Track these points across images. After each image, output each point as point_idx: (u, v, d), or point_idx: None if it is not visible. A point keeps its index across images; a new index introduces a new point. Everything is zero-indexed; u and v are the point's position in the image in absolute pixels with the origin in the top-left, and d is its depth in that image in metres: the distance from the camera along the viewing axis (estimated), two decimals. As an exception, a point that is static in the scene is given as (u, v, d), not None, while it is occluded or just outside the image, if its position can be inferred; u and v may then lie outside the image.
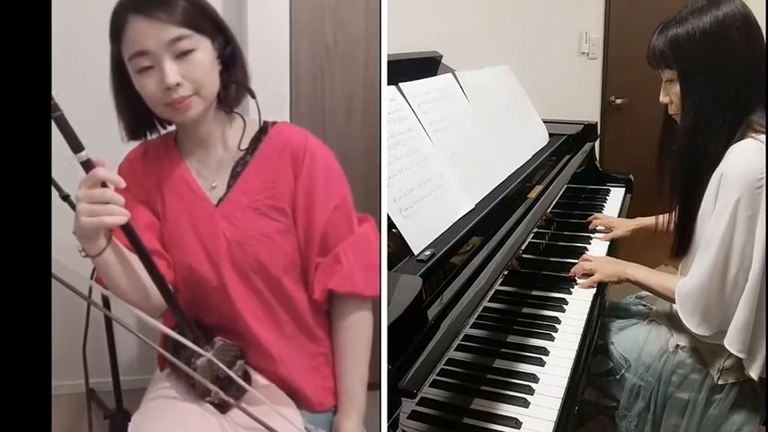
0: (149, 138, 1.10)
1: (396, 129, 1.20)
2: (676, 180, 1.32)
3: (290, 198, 1.05)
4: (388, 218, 1.05)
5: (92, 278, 0.97)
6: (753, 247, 1.16)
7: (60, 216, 0.86)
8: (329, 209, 1.05)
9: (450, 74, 1.54)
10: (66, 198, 1.41)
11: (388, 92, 1.23)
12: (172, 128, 1.11)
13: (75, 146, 0.82)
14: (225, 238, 1.03)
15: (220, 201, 1.05)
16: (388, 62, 0.90)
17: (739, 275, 1.17)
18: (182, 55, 0.95)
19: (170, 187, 1.06)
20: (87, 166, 0.84)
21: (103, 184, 0.85)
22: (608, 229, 1.76)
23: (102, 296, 1.07)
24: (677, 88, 1.27)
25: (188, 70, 0.96)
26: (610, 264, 1.50)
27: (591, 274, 1.46)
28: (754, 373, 1.22)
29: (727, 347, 1.20)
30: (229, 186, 1.05)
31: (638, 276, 1.40)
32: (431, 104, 1.36)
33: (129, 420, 0.98)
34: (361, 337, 1.06)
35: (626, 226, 1.74)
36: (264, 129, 1.09)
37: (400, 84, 1.30)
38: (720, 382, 1.29)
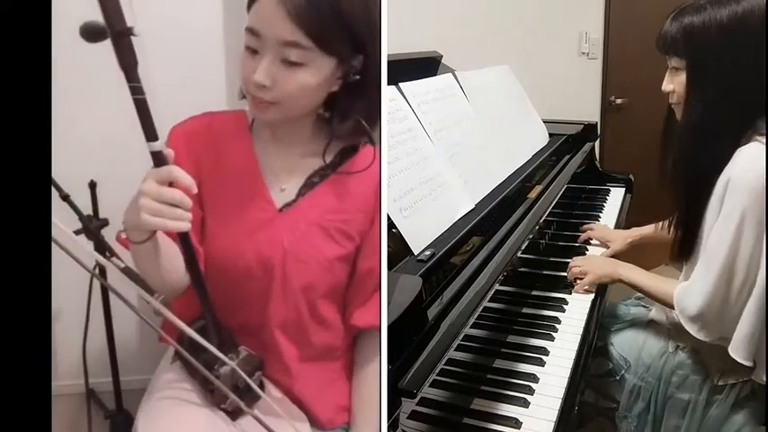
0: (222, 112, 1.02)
1: (396, 129, 1.20)
2: (679, 180, 1.28)
3: (362, 227, 0.99)
4: (388, 218, 1.05)
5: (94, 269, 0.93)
6: (759, 254, 1.12)
7: (60, 216, 0.86)
8: None
9: (450, 74, 1.54)
10: (66, 198, 1.41)
11: (388, 92, 1.23)
12: None
13: (151, 134, 0.76)
14: (282, 249, 0.96)
15: (286, 206, 0.98)
16: (388, 62, 0.90)
17: (745, 284, 1.14)
18: (287, 62, 0.86)
19: (230, 173, 0.98)
20: (158, 158, 0.77)
21: (173, 184, 0.77)
22: (604, 244, 1.69)
23: (101, 287, 1.05)
24: (683, 77, 1.22)
25: (284, 79, 0.87)
26: (602, 263, 1.49)
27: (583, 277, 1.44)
28: (759, 378, 1.21)
29: (733, 356, 1.17)
30: (300, 194, 0.98)
31: (632, 277, 1.38)
32: (431, 104, 1.36)
33: (130, 420, 0.97)
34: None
35: (623, 239, 1.67)
36: (355, 146, 1.01)
37: (400, 84, 1.30)
38: (720, 383, 1.28)
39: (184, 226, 0.79)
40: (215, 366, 0.90)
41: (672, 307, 1.28)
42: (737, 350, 1.17)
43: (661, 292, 1.31)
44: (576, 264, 1.48)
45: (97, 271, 1.43)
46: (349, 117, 0.94)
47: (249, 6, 0.88)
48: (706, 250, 1.20)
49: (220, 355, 0.86)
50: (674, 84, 1.24)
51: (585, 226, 1.76)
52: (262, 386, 1.01)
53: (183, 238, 0.85)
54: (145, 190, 0.76)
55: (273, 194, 0.99)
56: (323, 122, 0.99)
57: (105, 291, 1.52)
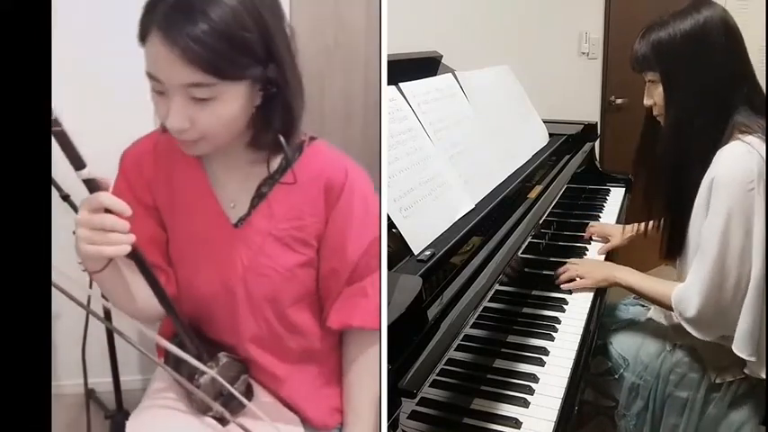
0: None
1: (396, 129, 1.20)
2: (663, 183, 1.33)
3: (317, 231, 0.97)
4: (388, 218, 1.05)
5: (90, 287, 0.93)
6: (751, 250, 1.16)
7: (60, 216, 0.85)
8: (364, 244, 0.97)
9: (450, 74, 1.54)
10: (66, 198, 1.41)
11: (388, 92, 1.23)
12: None
13: (77, 163, 0.74)
14: (242, 265, 0.95)
15: (240, 221, 0.96)
16: (388, 62, 0.90)
17: (740, 280, 1.17)
18: (198, 100, 0.82)
19: (184, 195, 0.96)
20: (90, 185, 0.76)
21: (107, 209, 0.76)
22: (605, 239, 1.72)
23: (103, 308, 1.04)
24: (660, 89, 1.29)
25: (199, 117, 0.83)
26: (598, 267, 1.49)
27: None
28: (756, 373, 1.22)
29: (737, 353, 1.19)
30: (252, 206, 0.96)
31: (629, 280, 1.39)
32: (431, 104, 1.36)
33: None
34: (374, 363, 1.01)
35: (622, 234, 1.69)
36: (300, 147, 0.97)
37: (400, 84, 1.30)
38: (718, 381, 1.29)
39: (123, 249, 0.78)
40: (195, 376, 0.90)
41: (670, 309, 1.29)
42: (740, 346, 1.19)
43: (659, 295, 1.32)
44: (573, 265, 1.48)
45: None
46: (269, 130, 0.90)
47: (143, 42, 0.82)
48: (698, 251, 1.22)
49: (198, 364, 0.85)
50: (654, 97, 1.32)
51: (588, 226, 1.78)
52: (250, 390, 1.00)
53: (136, 260, 0.83)
54: (78, 220, 0.76)
55: (227, 210, 0.96)
56: (253, 144, 0.94)
57: (106, 309, 1.51)
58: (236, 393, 0.89)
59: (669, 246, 1.34)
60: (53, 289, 0.70)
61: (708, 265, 1.18)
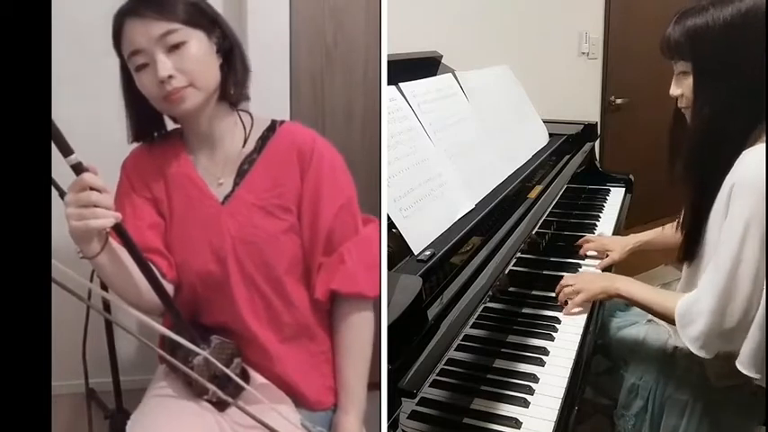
0: (155, 138, 1.11)
1: (396, 129, 1.20)
2: (689, 183, 1.24)
3: (295, 197, 1.05)
4: (388, 218, 1.05)
5: (91, 281, 0.97)
6: (764, 266, 1.07)
7: (60, 216, 0.86)
8: (335, 208, 1.05)
9: (450, 74, 1.54)
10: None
11: (388, 92, 1.23)
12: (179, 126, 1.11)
13: (65, 150, 0.82)
14: (230, 236, 1.03)
15: (226, 198, 1.05)
16: (388, 62, 0.90)
17: (753, 296, 1.09)
18: (173, 48, 0.97)
19: (175, 185, 1.07)
20: (77, 169, 0.84)
21: (92, 188, 0.85)
22: (602, 253, 1.62)
23: (102, 299, 1.07)
24: (690, 81, 1.19)
25: (181, 62, 0.97)
26: (595, 279, 1.40)
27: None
28: (760, 381, 1.18)
29: (741, 369, 1.13)
30: (236, 184, 1.06)
31: (631, 292, 1.30)
32: (431, 104, 1.36)
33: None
34: (363, 337, 1.07)
35: (622, 247, 1.61)
36: (272, 127, 1.09)
37: (400, 84, 1.30)
38: (718, 385, 1.27)
39: (107, 222, 0.86)
40: (189, 358, 0.94)
41: (672, 322, 1.22)
42: (746, 364, 1.13)
43: (662, 307, 1.24)
44: (568, 282, 1.38)
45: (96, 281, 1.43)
46: (231, 79, 1.05)
47: (118, 43, 1.00)
48: (712, 261, 1.15)
49: (190, 345, 0.90)
50: (681, 88, 1.22)
51: (582, 240, 1.68)
52: (245, 373, 1.03)
53: (122, 239, 0.90)
54: (66, 201, 0.85)
55: (213, 190, 1.06)
56: (225, 103, 1.07)
57: (105, 290, 1.52)
58: (227, 371, 0.94)
59: (686, 248, 1.27)
60: (53, 289, 0.70)
61: (720, 276, 1.10)
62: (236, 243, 1.03)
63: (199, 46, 1.00)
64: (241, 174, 1.06)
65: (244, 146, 1.07)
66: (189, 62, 0.98)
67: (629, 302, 1.35)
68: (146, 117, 1.06)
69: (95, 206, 0.85)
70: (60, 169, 0.82)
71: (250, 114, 1.11)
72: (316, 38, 1.77)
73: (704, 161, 1.19)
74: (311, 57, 1.77)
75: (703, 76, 1.17)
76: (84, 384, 1.54)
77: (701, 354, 1.17)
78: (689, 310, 1.17)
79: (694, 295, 1.17)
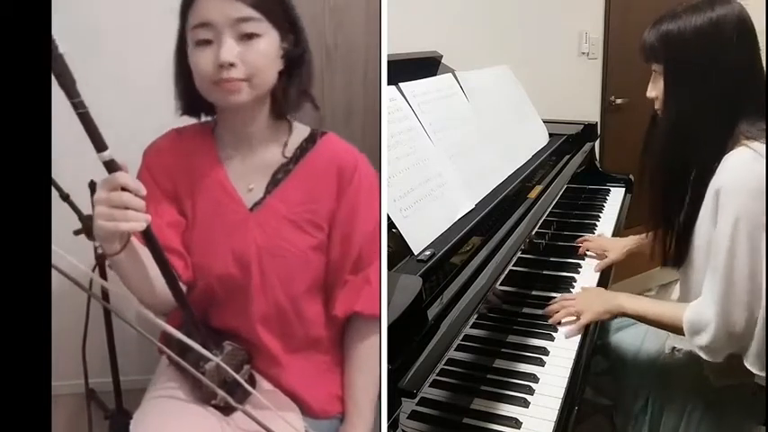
0: (203, 119, 1.06)
1: (396, 129, 1.20)
2: (654, 186, 1.27)
3: (328, 214, 1.02)
4: (388, 218, 1.05)
5: (93, 271, 0.95)
6: (761, 262, 1.08)
7: (60, 216, 0.86)
8: (369, 230, 1.02)
9: (450, 74, 1.54)
10: (66, 198, 1.41)
11: (388, 92, 1.23)
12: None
13: (99, 145, 0.79)
14: (255, 245, 1.01)
15: (256, 205, 1.02)
16: (388, 62, 0.90)
17: (754, 294, 1.09)
18: (245, 37, 0.93)
19: (202, 184, 1.02)
20: (110, 166, 0.81)
21: (124, 188, 0.81)
22: (601, 254, 1.63)
23: (101, 288, 1.06)
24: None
25: (247, 54, 0.93)
26: (598, 298, 1.34)
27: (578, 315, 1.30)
28: (760, 379, 1.19)
29: (749, 368, 1.14)
30: (267, 192, 1.02)
31: (636, 308, 1.27)
32: (431, 104, 1.36)
33: (130, 420, 0.98)
34: (376, 356, 1.05)
35: (621, 248, 1.61)
36: (312, 138, 1.06)
37: (400, 84, 1.30)
38: (718, 385, 1.27)
39: (138, 226, 0.83)
40: (200, 363, 0.93)
41: (681, 333, 1.20)
42: (754, 362, 1.13)
43: (669, 319, 1.23)
44: (569, 303, 1.33)
45: (96, 271, 1.43)
46: (294, 88, 1.01)
47: (187, 8, 0.95)
48: (709, 269, 1.15)
49: (203, 351, 0.88)
50: (656, 90, 1.26)
51: (581, 239, 1.69)
52: (252, 379, 1.02)
53: (147, 240, 0.87)
54: (96, 198, 0.82)
55: (242, 195, 1.02)
56: (275, 112, 1.03)
57: (105, 291, 1.52)
58: (240, 379, 0.92)
59: (675, 255, 1.27)
60: (53, 290, 0.70)
61: (718, 281, 1.11)
62: (263, 253, 1.00)
63: (270, 44, 0.95)
64: (275, 182, 1.02)
65: (282, 154, 1.03)
66: (255, 57, 0.93)
67: (636, 319, 1.31)
68: (197, 93, 0.99)
69: (126, 208, 0.81)
70: (60, 169, 0.82)
71: (289, 121, 1.07)
72: (316, 38, 1.77)
73: (678, 163, 1.22)
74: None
75: (673, 78, 1.22)
76: (84, 384, 1.55)
77: (710, 358, 1.16)
78: (697, 320, 1.17)
79: (699, 304, 1.17)
